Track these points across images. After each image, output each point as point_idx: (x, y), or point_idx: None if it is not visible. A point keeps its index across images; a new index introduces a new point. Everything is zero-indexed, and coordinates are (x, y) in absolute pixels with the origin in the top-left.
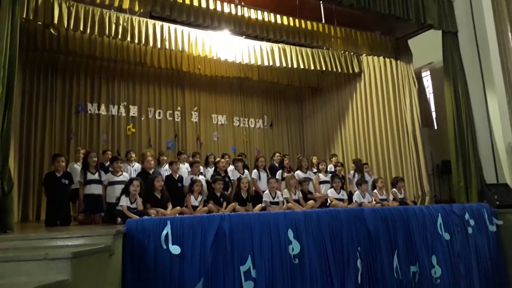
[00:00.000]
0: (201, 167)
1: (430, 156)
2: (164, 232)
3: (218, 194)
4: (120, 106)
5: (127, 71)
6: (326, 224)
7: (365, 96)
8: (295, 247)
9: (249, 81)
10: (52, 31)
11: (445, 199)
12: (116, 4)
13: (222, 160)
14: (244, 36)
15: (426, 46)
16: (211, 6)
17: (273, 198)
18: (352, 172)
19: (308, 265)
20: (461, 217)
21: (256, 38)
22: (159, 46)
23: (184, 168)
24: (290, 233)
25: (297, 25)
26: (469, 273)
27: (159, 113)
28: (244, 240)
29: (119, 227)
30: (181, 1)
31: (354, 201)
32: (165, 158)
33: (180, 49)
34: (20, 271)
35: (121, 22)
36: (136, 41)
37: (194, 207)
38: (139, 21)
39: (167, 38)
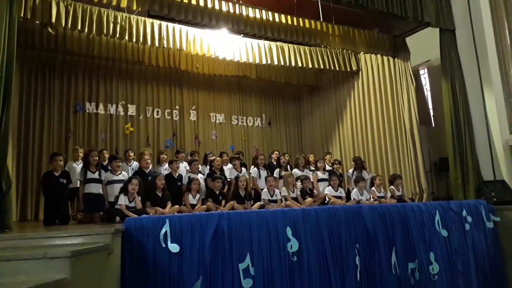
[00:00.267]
0: (200, 166)
1: (427, 153)
2: (163, 231)
3: (217, 192)
4: (118, 105)
5: (125, 70)
6: (324, 222)
7: (363, 94)
8: (293, 245)
9: (247, 79)
10: (50, 30)
11: (443, 196)
12: (114, 2)
13: (218, 158)
14: (242, 35)
15: (424, 44)
16: (209, 5)
17: (271, 196)
18: (351, 170)
19: (307, 262)
20: (458, 214)
21: (254, 36)
22: (157, 44)
23: (182, 167)
24: (289, 231)
25: (295, 23)
26: (466, 270)
27: (157, 112)
28: (243, 238)
29: (117, 226)
30: (179, 0)
31: (352, 198)
32: (165, 156)
33: (178, 48)
34: (19, 270)
35: (119, 21)
36: (134, 40)
37: (193, 206)
38: (137, 20)
39: (165, 37)
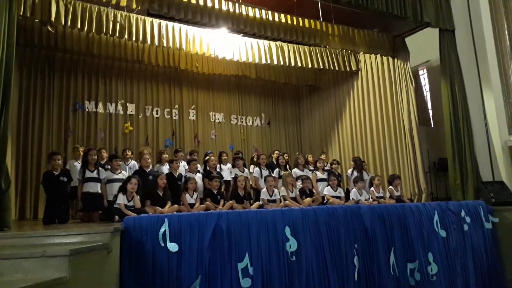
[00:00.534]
0: (199, 165)
1: (426, 153)
2: (162, 230)
3: (215, 192)
4: (118, 104)
5: (124, 69)
6: (323, 222)
7: (362, 94)
8: (292, 244)
9: (246, 79)
10: (50, 28)
11: (442, 197)
12: (114, 1)
13: (212, 158)
14: (241, 34)
15: (423, 44)
16: (209, 4)
17: (270, 196)
18: (350, 170)
19: (305, 262)
20: (457, 214)
21: (253, 36)
22: (156, 44)
23: (181, 166)
24: (288, 230)
25: (295, 23)
26: (465, 270)
27: (157, 111)
28: (242, 238)
29: (116, 225)
30: None
31: (351, 198)
32: (167, 156)
33: (178, 47)
34: (18, 268)
35: (118, 20)
36: (134, 38)
37: (191, 205)
38: (136, 19)
39: (164, 36)
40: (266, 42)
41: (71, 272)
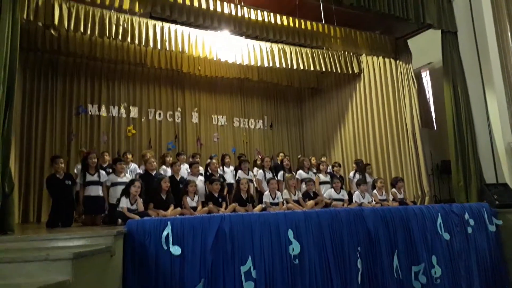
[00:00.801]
0: (201, 168)
1: (429, 156)
2: (165, 233)
3: (216, 195)
4: (121, 107)
5: (127, 72)
6: (326, 224)
7: (364, 97)
8: (295, 247)
9: (249, 81)
10: (53, 32)
11: (445, 199)
12: (117, 4)
13: (214, 161)
14: (244, 37)
15: (426, 46)
16: (211, 7)
17: (273, 199)
18: (352, 172)
19: (308, 265)
20: (460, 217)
21: (256, 38)
22: (159, 47)
23: (183, 169)
24: (290, 233)
25: (297, 25)
26: (469, 273)
27: (160, 114)
28: (245, 241)
29: (119, 228)
30: (181, 2)
31: (354, 201)
32: (170, 159)
33: (180, 50)
34: (21, 272)
35: (121, 23)
36: (136, 42)
37: (193, 208)
38: (139, 22)
39: (167, 39)
40: (268, 44)
41: (75, 275)
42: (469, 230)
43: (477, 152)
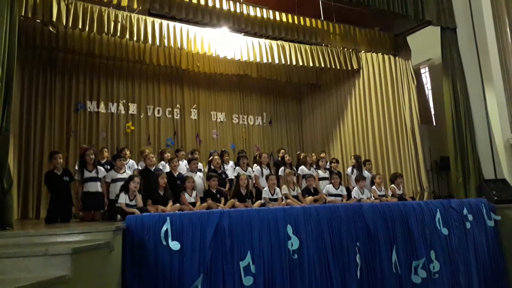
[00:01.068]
0: (200, 164)
1: (428, 152)
2: (164, 228)
3: (214, 191)
4: (119, 104)
5: (126, 68)
6: (325, 220)
7: (363, 93)
8: (294, 243)
9: (248, 78)
10: (51, 29)
11: (444, 195)
12: (115, 1)
13: (216, 157)
14: (243, 33)
15: (425, 42)
16: (210, 3)
17: (272, 195)
18: (350, 168)
19: (307, 260)
20: (459, 212)
21: (255, 35)
22: (158, 43)
23: (182, 165)
24: (289, 229)
25: (296, 22)
26: (467, 268)
27: (158, 110)
28: (244, 236)
29: (118, 224)
30: None
31: (352, 197)
32: (169, 155)
33: (179, 47)
34: (20, 267)
35: (119, 20)
36: (135, 38)
37: (192, 204)
38: (137, 19)
39: (166, 36)
40: (267, 41)
41: (73, 270)
42: (468, 225)
43: (476, 148)
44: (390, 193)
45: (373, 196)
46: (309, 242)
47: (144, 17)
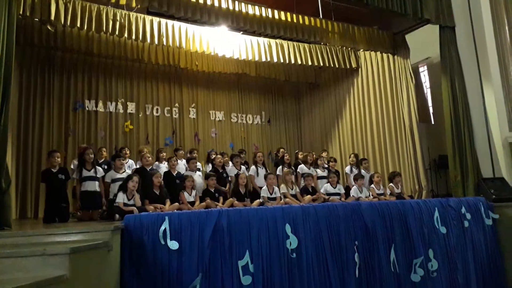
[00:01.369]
0: (199, 163)
1: (427, 150)
2: (162, 228)
3: (212, 190)
4: (118, 103)
5: (124, 67)
6: (323, 219)
7: (362, 91)
8: (292, 242)
9: (246, 77)
10: (49, 28)
11: (442, 194)
12: (113, 0)
13: (218, 156)
14: (241, 32)
15: (424, 41)
16: (209, 2)
17: (271, 194)
18: (349, 167)
19: (306, 259)
20: (457, 210)
21: (253, 33)
22: (156, 42)
23: (181, 164)
24: (288, 228)
25: (295, 20)
26: (465, 266)
27: (157, 109)
28: (242, 235)
29: (117, 223)
30: None
31: (351, 196)
32: (164, 154)
33: (178, 45)
34: (18, 267)
35: (118, 18)
36: (134, 37)
37: (191, 203)
38: (136, 17)
39: (164, 34)
40: (266, 40)
41: (72, 270)
42: (466, 224)
43: (474, 147)
44: (388, 191)
45: (372, 195)
46: (308, 241)
47: (142, 15)
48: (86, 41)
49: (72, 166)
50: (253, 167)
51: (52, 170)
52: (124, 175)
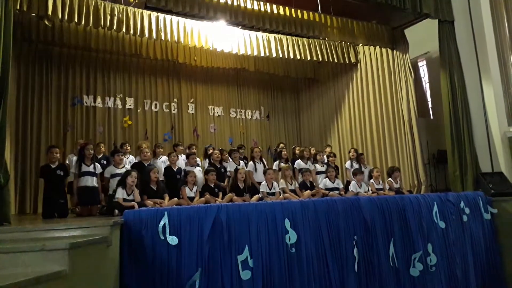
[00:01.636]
0: (198, 159)
1: (426, 145)
2: (162, 223)
3: (212, 185)
4: (116, 98)
5: (122, 62)
6: (322, 214)
7: (361, 86)
8: (292, 237)
9: (245, 72)
10: (47, 23)
11: (441, 188)
12: None
13: (216, 151)
14: (240, 27)
15: (423, 35)
16: None
17: (270, 189)
18: (349, 162)
19: (305, 254)
20: (456, 205)
21: (252, 28)
22: (154, 37)
23: (181, 160)
24: (287, 223)
25: (294, 15)
26: (464, 261)
27: (156, 105)
28: (241, 230)
29: (116, 218)
30: None
31: (350, 191)
32: (161, 150)
33: (176, 40)
34: (18, 262)
35: (116, 13)
36: (132, 32)
37: (190, 198)
38: (134, 12)
39: (162, 29)
40: (265, 34)
41: (71, 265)
42: (465, 218)
43: (473, 142)
44: (387, 186)
45: (371, 190)
46: (307, 236)
47: (140, 10)
48: (84, 36)
49: (67, 161)
50: (250, 162)
51: (51, 166)
52: (123, 171)
